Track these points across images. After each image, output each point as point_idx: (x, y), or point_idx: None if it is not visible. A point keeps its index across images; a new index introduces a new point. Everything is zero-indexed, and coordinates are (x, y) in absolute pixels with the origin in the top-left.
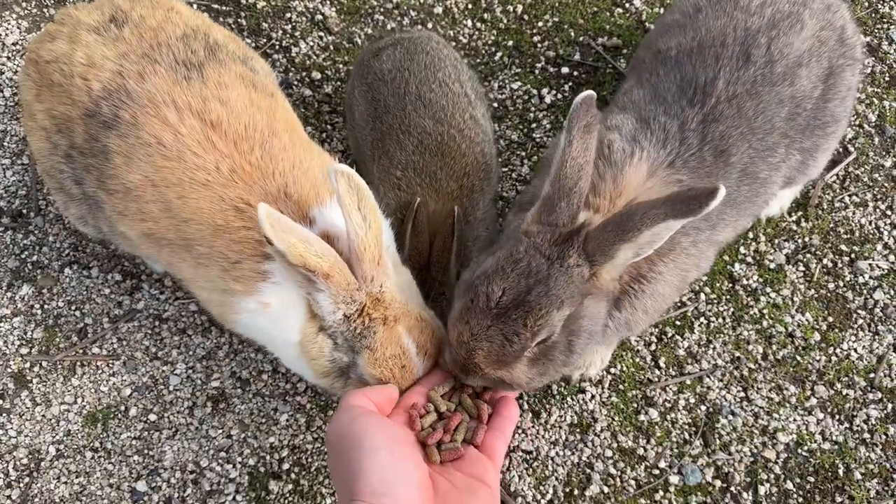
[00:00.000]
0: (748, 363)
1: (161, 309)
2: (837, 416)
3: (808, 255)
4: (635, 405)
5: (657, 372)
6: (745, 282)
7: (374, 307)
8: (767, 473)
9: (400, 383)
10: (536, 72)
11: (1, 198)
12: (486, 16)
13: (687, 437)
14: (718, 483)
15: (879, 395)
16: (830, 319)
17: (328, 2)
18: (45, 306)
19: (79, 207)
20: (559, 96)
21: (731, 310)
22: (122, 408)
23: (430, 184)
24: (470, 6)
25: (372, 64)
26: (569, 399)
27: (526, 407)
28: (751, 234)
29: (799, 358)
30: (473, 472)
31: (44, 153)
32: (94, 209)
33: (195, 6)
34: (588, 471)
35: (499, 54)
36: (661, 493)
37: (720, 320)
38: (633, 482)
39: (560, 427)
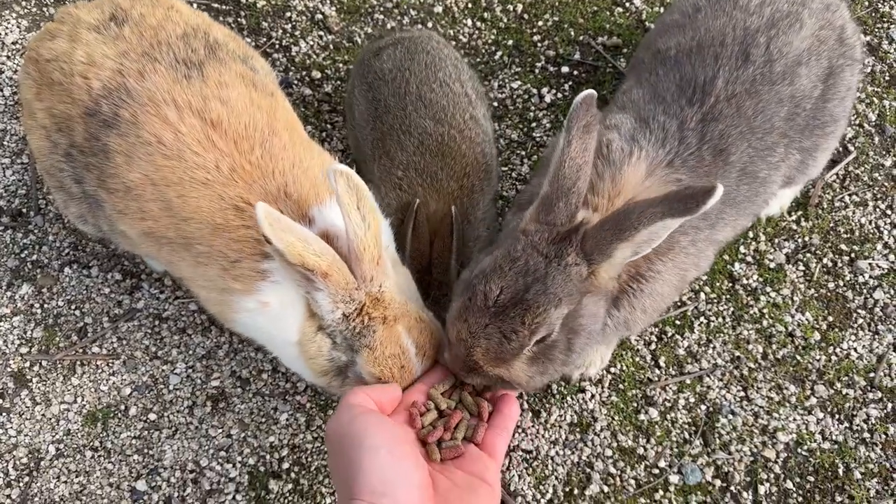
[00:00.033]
0: (748, 363)
1: (161, 308)
2: (837, 416)
3: (808, 255)
4: (635, 404)
5: (657, 371)
6: (745, 281)
7: (373, 306)
8: (767, 473)
9: (399, 383)
10: (536, 71)
11: (1, 197)
12: (486, 15)
13: (687, 436)
14: (718, 482)
15: (879, 394)
16: (830, 319)
17: (328, 1)
18: (45, 305)
19: (79, 206)
20: (559, 95)
21: (731, 309)
22: (122, 407)
23: (430, 184)
24: (470, 5)
25: (372, 63)
26: (569, 398)
27: (526, 406)
28: (751, 234)
29: (799, 357)
30: (474, 470)
31: (44, 152)
32: (94, 208)
33: (195, 5)
34: (588, 470)
35: (499, 53)
36: (660, 492)
37: (720, 320)
38: (632, 481)
39: (560, 426)
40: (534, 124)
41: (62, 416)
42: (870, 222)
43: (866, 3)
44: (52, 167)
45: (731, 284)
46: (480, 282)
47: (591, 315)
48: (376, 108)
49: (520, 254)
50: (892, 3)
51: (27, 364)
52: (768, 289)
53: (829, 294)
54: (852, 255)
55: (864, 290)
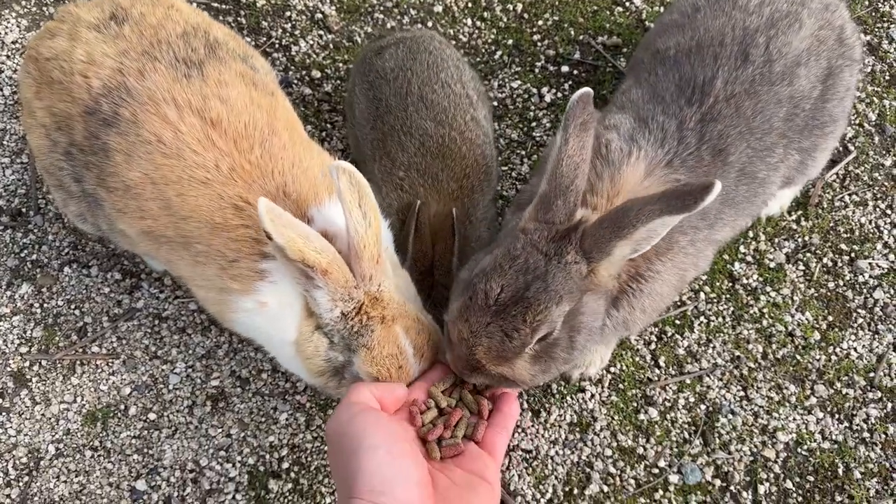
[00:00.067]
0: (748, 362)
1: (161, 308)
2: (837, 416)
3: (808, 254)
4: (635, 404)
5: (657, 371)
6: (744, 281)
7: (371, 306)
8: (767, 472)
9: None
10: (536, 70)
11: (0, 196)
12: (485, 14)
13: (686, 436)
14: (718, 482)
15: (879, 394)
16: (830, 318)
17: (328, 0)
18: (45, 305)
19: (78, 205)
20: (559, 95)
21: (731, 309)
22: (122, 407)
23: (432, 185)
24: (470, 5)
25: (374, 62)
26: (568, 398)
27: (525, 406)
28: (751, 233)
29: (799, 357)
30: (473, 469)
31: (43, 150)
32: (94, 207)
33: (195, 4)
34: (588, 470)
35: (499, 53)
36: (660, 492)
37: (720, 319)
38: (632, 481)
39: (560, 426)
40: (534, 124)
41: (62, 416)
42: (870, 222)
43: (866, 3)
44: (52, 166)
45: (730, 284)
46: (481, 280)
47: (591, 312)
48: (377, 108)
49: (519, 252)
50: (892, 2)
51: (27, 363)
52: (768, 288)
53: (829, 294)
54: (852, 254)
55: (864, 290)
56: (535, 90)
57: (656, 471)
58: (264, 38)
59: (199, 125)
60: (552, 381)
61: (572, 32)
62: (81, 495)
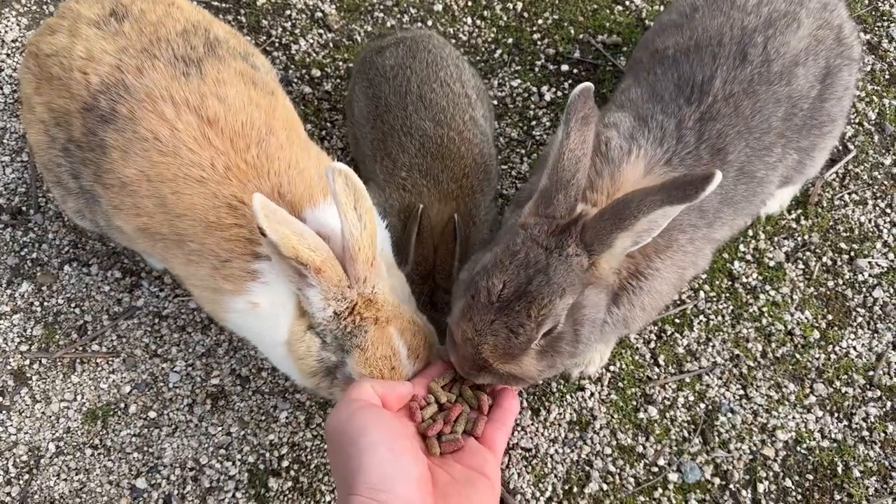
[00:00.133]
0: (747, 361)
1: (161, 306)
2: (836, 414)
3: (808, 253)
4: (634, 403)
5: (656, 370)
6: (744, 279)
7: (365, 307)
8: (766, 471)
9: None
10: (536, 69)
11: (0, 195)
12: (485, 13)
13: (686, 434)
14: (717, 481)
15: (878, 392)
16: (830, 317)
17: None
18: (45, 303)
19: (76, 201)
20: (559, 94)
21: (731, 307)
22: (122, 405)
23: (434, 186)
24: (470, 3)
25: (374, 60)
26: (568, 397)
27: (525, 404)
28: (750, 232)
29: (798, 356)
30: (473, 464)
31: (42, 146)
32: (91, 203)
33: (195, 2)
34: (587, 468)
35: (498, 52)
36: (660, 490)
37: (719, 318)
38: (632, 480)
39: (559, 425)
40: (533, 122)
41: (62, 414)
42: (869, 221)
43: (866, 2)
44: (50, 162)
45: (730, 283)
46: (482, 278)
47: (594, 305)
48: (377, 107)
49: (519, 247)
50: (891, 1)
51: (27, 362)
52: (768, 287)
53: (828, 292)
54: (852, 253)
55: (864, 289)
56: (534, 89)
57: (656, 469)
58: (264, 37)
59: (195, 123)
60: (552, 379)
61: (572, 31)
62: (81, 493)
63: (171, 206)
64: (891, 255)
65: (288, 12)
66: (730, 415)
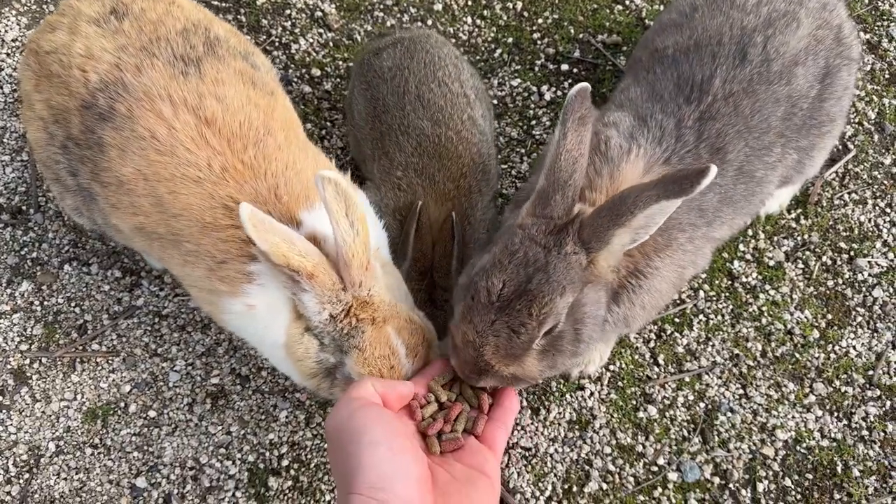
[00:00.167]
0: (747, 360)
1: (160, 305)
2: (836, 414)
3: (808, 253)
4: (634, 402)
5: (656, 369)
6: (744, 279)
7: (361, 309)
8: (766, 470)
9: None
10: (536, 69)
11: (0, 194)
12: (485, 13)
13: (686, 434)
14: (717, 480)
15: (878, 392)
16: (829, 317)
17: None
18: (45, 303)
19: (74, 198)
20: (559, 93)
21: (731, 307)
22: (122, 404)
23: (429, 185)
24: (470, 3)
25: (372, 62)
26: (568, 396)
27: (525, 404)
28: (750, 232)
29: (798, 355)
30: (473, 463)
31: (41, 143)
32: (89, 201)
33: (196, 0)
34: (587, 467)
35: (498, 51)
36: (659, 489)
37: (719, 317)
38: (631, 479)
39: (559, 424)
40: (533, 122)
41: (62, 413)
42: (869, 220)
43: (866, 1)
44: (49, 159)
45: (730, 282)
46: (481, 279)
47: (594, 304)
48: (375, 107)
49: (518, 246)
50: (891, 0)
51: (27, 361)
52: (767, 287)
53: (828, 292)
54: (851, 253)
55: (864, 288)
56: (534, 88)
57: (655, 469)
58: (264, 36)
59: (193, 123)
60: (552, 378)
61: (572, 30)
62: (81, 492)
63: (168, 205)
64: (890, 255)
65: (288, 11)
66: (729, 414)
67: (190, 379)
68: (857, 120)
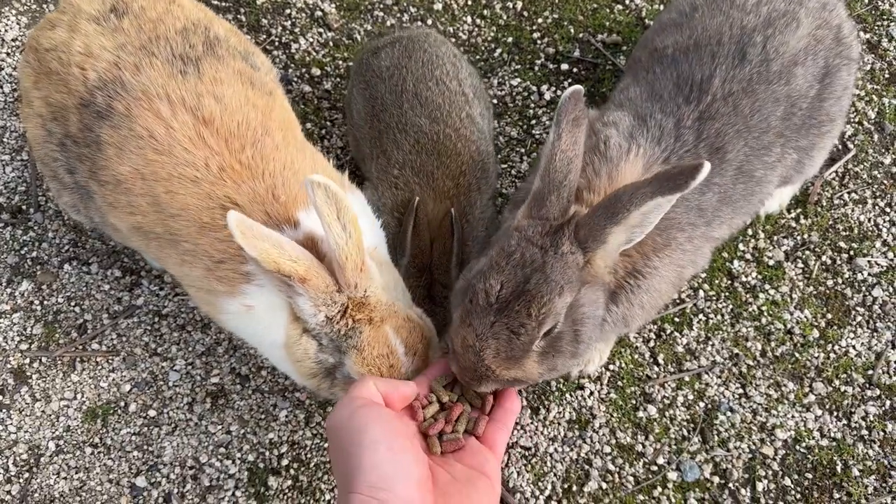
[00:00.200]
0: (747, 360)
1: (160, 305)
2: (836, 413)
3: (807, 252)
4: (634, 402)
5: (656, 368)
6: (743, 278)
7: (357, 309)
8: (765, 470)
9: None
10: (536, 68)
11: (0, 194)
12: (485, 12)
13: (685, 433)
14: (717, 479)
15: (878, 391)
16: (829, 316)
17: None
18: (45, 302)
19: (71, 196)
20: (558, 93)
21: (730, 306)
22: (122, 404)
23: (427, 183)
24: (469, 2)
25: (371, 62)
26: (567, 395)
27: (525, 403)
28: (750, 231)
29: (797, 355)
30: (474, 464)
31: (39, 140)
32: (86, 199)
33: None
34: (586, 467)
35: (498, 51)
36: (659, 489)
37: (719, 317)
38: (631, 478)
39: (559, 423)
40: (533, 122)
41: (62, 413)
42: (869, 220)
43: (866, 1)
44: (47, 156)
45: (730, 282)
46: (479, 281)
47: (591, 304)
48: (373, 106)
49: (514, 248)
50: (891, 0)
51: (27, 360)
52: (767, 286)
53: (827, 291)
54: (851, 252)
55: (863, 288)
56: (534, 88)
57: (655, 468)
58: (264, 36)
59: (191, 122)
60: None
61: (572, 30)
62: (81, 492)
63: (165, 205)
64: (890, 254)
65: (288, 11)
66: (729, 413)
67: (190, 378)
68: (856, 119)
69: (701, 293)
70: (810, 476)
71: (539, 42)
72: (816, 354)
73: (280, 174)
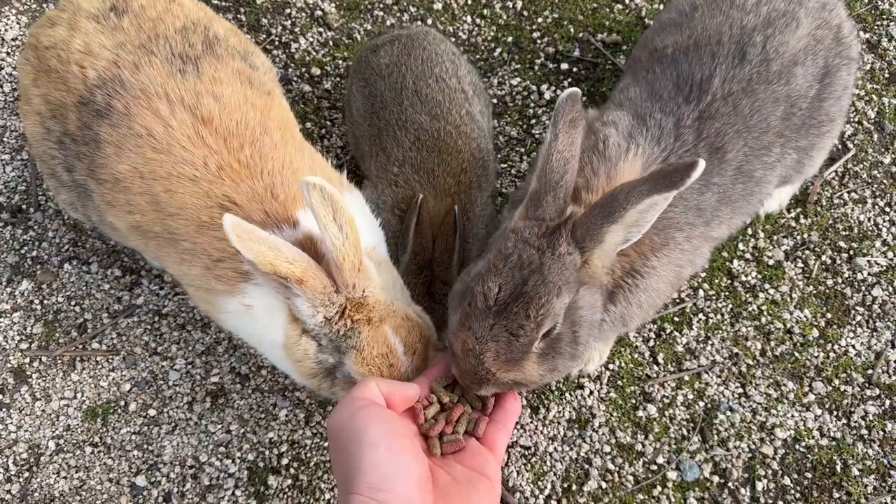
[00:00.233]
0: (746, 359)
1: (160, 304)
2: (835, 413)
3: (807, 252)
4: (633, 401)
5: (655, 368)
6: (743, 278)
7: (356, 310)
8: (765, 469)
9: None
10: (536, 68)
11: (0, 193)
12: (485, 12)
13: (685, 432)
14: (716, 479)
15: (877, 391)
16: (829, 316)
17: None
18: (45, 301)
19: (69, 194)
20: (558, 92)
21: (730, 306)
22: (122, 403)
23: (427, 180)
24: (469, 2)
25: (370, 59)
26: (567, 395)
27: (524, 403)
28: (749, 231)
29: (797, 354)
30: (474, 465)
31: (37, 138)
32: (84, 197)
33: None
34: (586, 466)
35: (498, 50)
36: (658, 488)
37: (719, 316)
38: (631, 478)
39: (558, 423)
40: (533, 121)
41: (62, 412)
42: (868, 219)
43: (866, 1)
44: (45, 154)
45: (729, 281)
46: (477, 284)
47: (589, 305)
48: (373, 104)
49: (511, 250)
50: (891, 0)
51: (27, 360)
52: (767, 286)
53: (827, 291)
54: (851, 252)
55: (863, 288)
56: (534, 87)
57: (655, 467)
58: (264, 36)
59: (189, 121)
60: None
61: (572, 30)
62: (81, 491)
63: (164, 204)
64: (890, 254)
65: (288, 11)
66: (729, 413)
67: (190, 377)
68: (856, 119)
69: (701, 293)
70: (810, 475)
71: (539, 41)
72: (816, 354)
73: (279, 173)
